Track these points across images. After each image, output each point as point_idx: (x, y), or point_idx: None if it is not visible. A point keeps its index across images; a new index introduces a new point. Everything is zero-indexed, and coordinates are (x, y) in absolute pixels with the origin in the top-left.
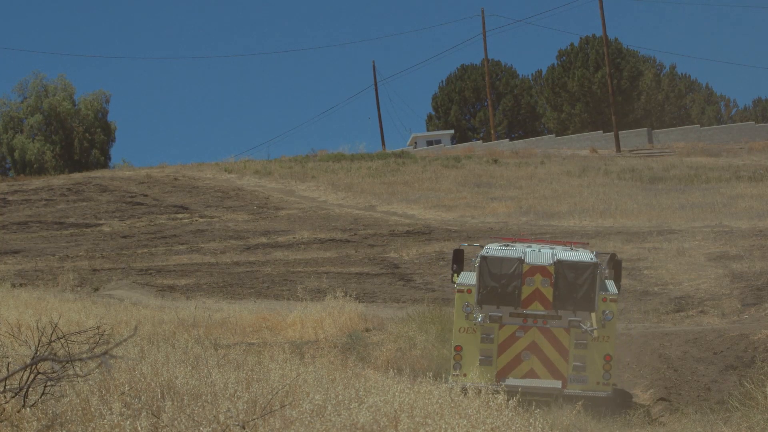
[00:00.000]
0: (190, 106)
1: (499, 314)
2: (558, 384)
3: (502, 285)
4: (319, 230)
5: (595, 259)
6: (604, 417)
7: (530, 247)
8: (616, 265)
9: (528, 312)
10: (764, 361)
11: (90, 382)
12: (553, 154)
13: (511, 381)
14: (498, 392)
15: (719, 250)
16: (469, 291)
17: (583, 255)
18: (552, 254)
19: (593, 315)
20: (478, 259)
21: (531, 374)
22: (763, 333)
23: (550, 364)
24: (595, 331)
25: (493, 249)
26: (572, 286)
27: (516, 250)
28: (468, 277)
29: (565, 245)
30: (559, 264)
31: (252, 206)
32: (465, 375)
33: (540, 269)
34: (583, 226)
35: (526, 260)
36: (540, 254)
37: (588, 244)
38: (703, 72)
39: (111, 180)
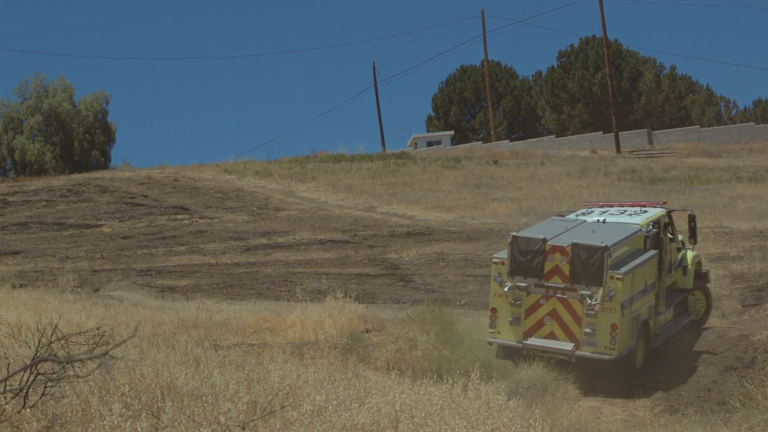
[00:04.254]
0: (190, 106)
1: (526, 284)
2: (572, 345)
3: (528, 260)
4: (319, 231)
5: (605, 243)
6: (602, 415)
7: (591, 212)
8: (691, 222)
9: (549, 284)
10: (764, 362)
11: (90, 383)
12: (553, 155)
13: (532, 341)
14: (522, 350)
15: (719, 251)
16: (503, 263)
17: (603, 237)
18: (570, 237)
19: (600, 290)
20: (510, 237)
21: (551, 336)
22: (763, 334)
23: (566, 328)
24: (597, 305)
25: (521, 232)
26: (585, 265)
27: (540, 231)
28: (503, 252)
29: (641, 206)
30: (575, 246)
31: (252, 207)
32: (499, 333)
33: (559, 249)
34: None
35: (549, 241)
36: (560, 238)
37: (665, 203)
38: (703, 73)
39: (111, 181)
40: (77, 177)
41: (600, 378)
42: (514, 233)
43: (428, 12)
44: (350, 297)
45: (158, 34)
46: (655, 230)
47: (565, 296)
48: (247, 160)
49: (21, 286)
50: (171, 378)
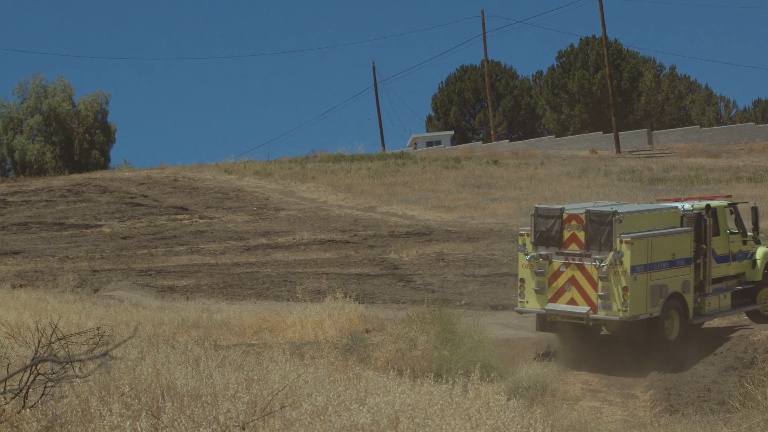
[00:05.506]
0: (190, 106)
1: (547, 253)
2: (588, 308)
3: (548, 230)
4: (319, 231)
5: (615, 209)
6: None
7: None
8: (754, 214)
9: (567, 251)
10: (764, 362)
11: (90, 383)
12: (553, 155)
13: (553, 306)
14: (546, 316)
15: None
16: (528, 235)
17: (620, 208)
18: (588, 206)
19: (610, 254)
20: (533, 209)
21: (571, 302)
22: (763, 334)
23: (584, 293)
24: (604, 267)
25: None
26: (597, 231)
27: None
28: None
29: (710, 199)
30: (588, 213)
31: (252, 207)
32: (527, 302)
33: (575, 217)
34: None
35: (566, 211)
36: (576, 206)
37: (730, 196)
38: (703, 73)
39: (111, 181)
40: (77, 177)
41: (622, 348)
42: (536, 205)
43: (428, 12)
44: (350, 297)
45: (158, 34)
46: (695, 212)
47: (581, 262)
48: (247, 160)
49: (21, 286)
50: (171, 378)
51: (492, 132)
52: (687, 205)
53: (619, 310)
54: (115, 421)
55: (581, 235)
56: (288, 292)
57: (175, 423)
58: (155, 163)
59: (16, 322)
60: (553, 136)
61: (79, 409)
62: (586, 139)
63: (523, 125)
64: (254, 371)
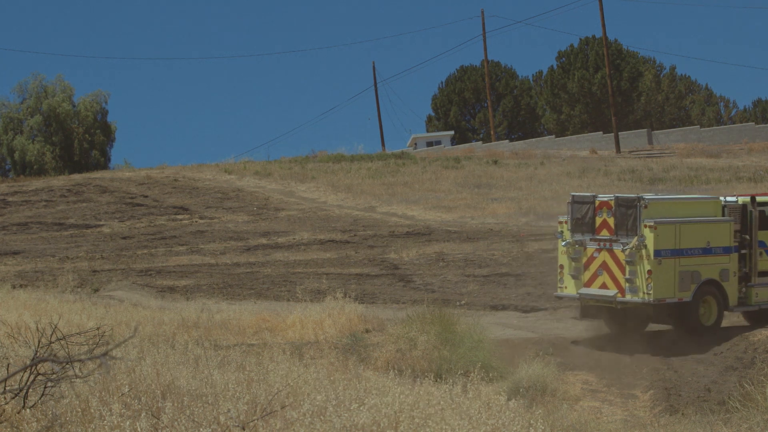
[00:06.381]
0: (190, 106)
1: (582, 239)
2: (616, 292)
3: (582, 216)
4: (319, 231)
5: (640, 196)
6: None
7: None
8: None
9: (599, 237)
10: (764, 362)
11: (90, 383)
12: (552, 155)
13: (584, 290)
14: (579, 301)
15: None
16: (565, 222)
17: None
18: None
19: (635, 238)
20: (570, 197)
21: (603, 286)
22: (763, 334)
23: (614, 277)
24: (627, 251)
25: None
26: (624, 216)
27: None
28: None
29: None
30: (617, 199)
31: (252, 207)
32: (566, 287)
33: (605, 204)
34: None
35: (598, 198)
36: (607, 194)
37: None
38: (702, 73)
39: (111, 181)
40: (77, 177)
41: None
42: (572, 192)
43: (428, 12)
44: (350, 297)
45: (158, 34)
46: (738, 203)
47: (611, 247)
48: (247, 160)
49: (21, 286)
50: (171, 378)
51: (492, 132)
52: (731, 198)
53: (644, 293)
54: (115, 421)
55: (611, 221)
56: (288, 292)
57: (175, 423)
58: (155, 163)
59: (16, 322)
60: (553, 136)
61: (79, 409)
62: (586, 139)
63: (523, 125)
64: (254, 371)
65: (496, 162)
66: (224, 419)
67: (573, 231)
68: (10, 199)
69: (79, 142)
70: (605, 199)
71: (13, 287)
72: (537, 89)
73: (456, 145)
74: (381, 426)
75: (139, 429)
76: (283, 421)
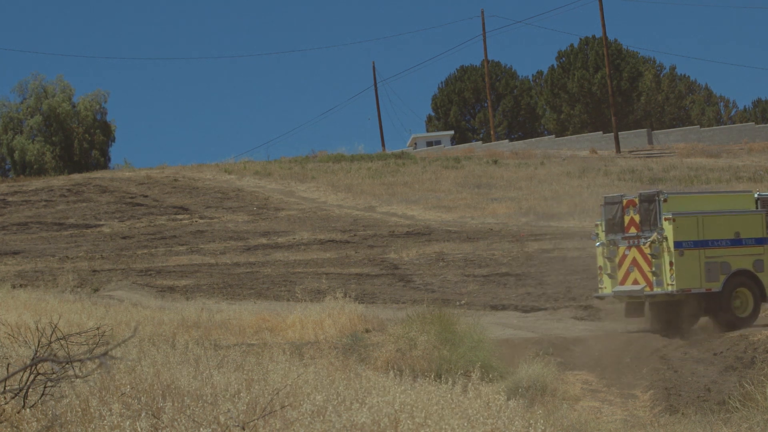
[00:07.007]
0: (190, 106)
1: (615, 238)
2: (644, 285)
3: (613, 216)
4: (319, 231)
5: (659, 190)
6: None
7: None
8: None
9: (628, 234)
10: (764, 362)
11: (90, 383)
12: (552, 155)
13: (618, 288)
14: (614, 300)
15: None
16: (598, 225)
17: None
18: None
19: (655, 233)
20: (603, 199)
21: (634, 282)
22: (762, 334)
23: (643, 272)
24: (647, 244)
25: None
26: (647, 212)
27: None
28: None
29: None
30: (640, 195)
31: (252, 207)
32: (605, 287)
33: (631, 201)
34: (584, 227)
35: (624, 197)
36: (633, 191)
37: None
38: (702, 73)
39: (111, 181)
40: (77, 177)
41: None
42: (605, 194)
43: (428, 12)
44: (350, 297)
45: (158, 34)
46: None
47: (638, 243)
48: (247, 160)
49: (21, 286)
50: (171, 378)
51: (492, 132)
52: (766, 192)
53: (668, 284)
54: (115, 421)
55: (637, 218)
56: (288, 292)
57: (175, 423)
58: (155, 163)
59: (16, 322)
60: (553, 136)
61: (79, 409)
62: (586, 139)
63: (523, 125)
64: (254, 371)
65: (496, 162)
66: (224, 419)
67: (607, 232)
68: (10, 199)
69: (79, 142)
70: (631, 197)
71: (13, 287)
72: (537, 89)
73: (456, 145)
74: (381, 426)
75: (139, 429)
76: (283, 421)
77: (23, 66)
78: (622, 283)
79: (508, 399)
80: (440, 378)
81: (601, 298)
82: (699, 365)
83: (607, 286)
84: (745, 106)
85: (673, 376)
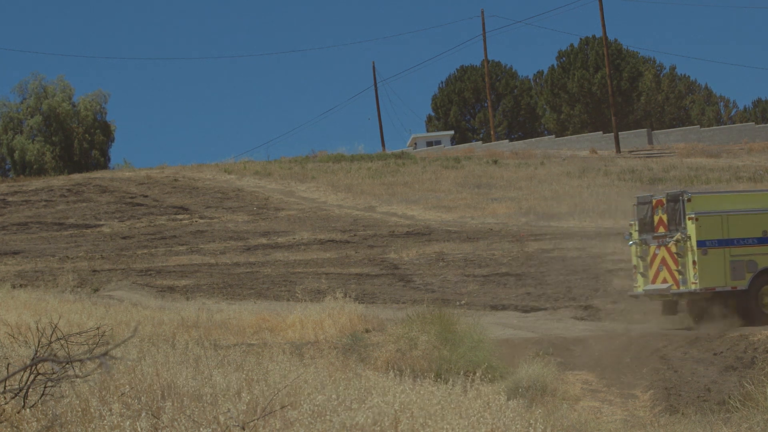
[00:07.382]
0: (190, 106)
1: (646, 238)
2: (671, 284)
3: (644, 216)
4: (319, 231)
5: (684, 190)
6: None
7: None
8: None
9: (657, 234)
10: (764, 362)
11: (90, 383)
12: (552, 155)
13: (648, 287)
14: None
15: None
16: (632, 224)
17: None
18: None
19: (679, 232)
20: (635, 200)
21: (663, 281)
22: (763, 334)
23: (671, 271)
24: (670, 242)
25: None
26: (673, 211)
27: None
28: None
29: None
30: (667, 195)
31: (252, 207)
32: (638, 286)
33: (660, 201)
34: (584, 227)
35: (654, 197)
36: (661, 191)
37: None
38: (702, 73)
39: (111, 181)
40: (77, 177)
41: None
42: (637, 195)
43: (428, 12)
44: (350, 297)
45: (158, 34)
46: None
47: (667, 243)
48: (247, 160)
49: (21, 286)
50: (171, 378)
51: (492, 132)
52: None
53: (692, 282)
54: (115, 421)
55: (665, 218)
56: (288, 292)
57: (175, 423)
58: (155, 163)
59: (16, 322)
60: (553, 136)
61: (79, 409)
62: (586, 139)
63: (523, 125)
64: (254, 371)
65: (496, 162)
66: (224, 419)
67: (639, 231)
68: (10, 199)
69: (78, 142)
70: (659, 197)
71: (13, 287)
72: (537, 89)
73: (456, 145)
74: (381, 426)
75: (139, 429)
76: (283, 421)
77: (23, 66)
78: (653, 281)
79: (508, 399)
80: (440, 378)
81: (635, 296)
82: (699, 365)
83: (640, 285)
84: (745, 106)
85: (673, 376)
